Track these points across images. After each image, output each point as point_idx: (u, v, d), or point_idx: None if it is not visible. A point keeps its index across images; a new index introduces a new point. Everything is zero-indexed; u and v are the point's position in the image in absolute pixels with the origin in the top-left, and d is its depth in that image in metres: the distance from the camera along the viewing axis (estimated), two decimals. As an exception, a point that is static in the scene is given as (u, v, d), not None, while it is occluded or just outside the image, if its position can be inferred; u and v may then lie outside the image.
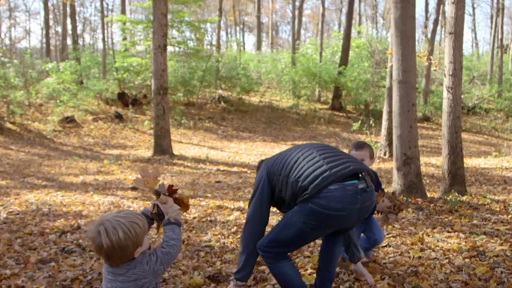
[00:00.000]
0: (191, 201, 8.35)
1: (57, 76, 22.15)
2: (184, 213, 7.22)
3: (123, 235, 2.45)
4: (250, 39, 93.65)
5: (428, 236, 5.85)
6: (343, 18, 39.48)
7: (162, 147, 15.28)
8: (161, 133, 15.16)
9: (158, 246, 2.74)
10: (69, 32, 31.65)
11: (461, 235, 5.84)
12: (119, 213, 2.61)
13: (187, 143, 19.59)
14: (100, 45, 44.09)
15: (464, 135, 7.88)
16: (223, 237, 6.00)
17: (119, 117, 21.51)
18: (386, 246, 5.44)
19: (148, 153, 16.15)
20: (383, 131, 15.32)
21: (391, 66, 13.25)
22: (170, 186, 3.03)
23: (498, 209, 7.38)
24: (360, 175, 3.42)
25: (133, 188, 9.64)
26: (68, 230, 6.22)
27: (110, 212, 2.64)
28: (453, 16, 8.03)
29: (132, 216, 2.57)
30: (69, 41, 32.18)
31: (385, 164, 13.99)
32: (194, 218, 7.08)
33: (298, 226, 3.37)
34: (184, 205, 3.10)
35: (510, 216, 6.87)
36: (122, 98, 23.39)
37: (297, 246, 3.67)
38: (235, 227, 6.43)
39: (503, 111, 30.07)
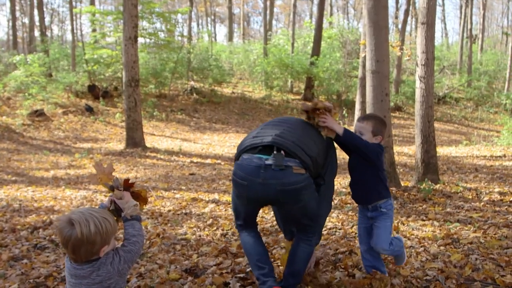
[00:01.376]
0: (165, 194, 8.29)
1: (25, 69, 21.67)
2: (159, 207, 7.17)
3: (94, 229, 2.38)
4: (221, 30, 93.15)
5: (403, 224, 5.89)
6: (315, 8, 39.58)
7: (135, 139, 15.12)
8: (133, 125, 14.99)
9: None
10: (37, 23, 31.01)
11: (436, 223, 5.90)
12: (92, 208, 2.56)
13: (160, 136, 19.43)
14: (68, 36, 43.46)
15: (435, 124, 7.95)
16: (198, 229, 5.95)
17: (89, 110, 21.20)
18: (362, 235, 5.45)
19: (120, 146, 15.97)
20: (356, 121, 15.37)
21: (364, 57, 13.32)
22: (126, 180, 2.90)
23: (470, 196, 7.47)
24: (277, 152, 3.33)
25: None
26: (40, 226, 6.10)
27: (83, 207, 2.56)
28: (425, 6, 8.07)
29: (104, 213, 2.52)
30: (36, 33, 31.53)
31: (358, 154, 14.05)
32: (169, 211, 7.01)
33: (232, 194, 3.64)
34: (142, 198, 2.98)
35: (482, 203, 6.96)
36: (93, 91, 23.04)
37: (240, 217, 3.73)
38: (211, 220, 6.38)
39: (472, 100, 30.53)
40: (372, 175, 3.79)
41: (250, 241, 3.71)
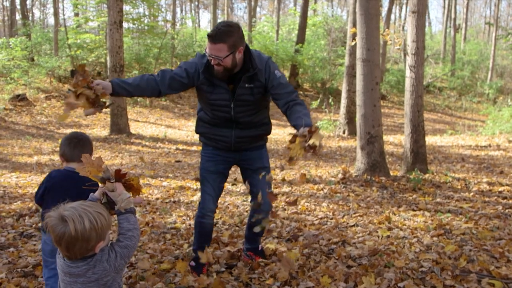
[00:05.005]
0: (152, 181, 8.19)
1: (6, 53, 21.29)
2: (147, 195, 7.07)
3: (89, 225, 2.24)
4: (205, 16, 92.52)
5: (395, 214, 5.87)
6: (299, -5, 39.36)
7: (119, 126, 14.95)
8: (118, 111, 14.81)
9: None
10: (18, 7, 30.45)
11: (426, 213, 5.89)
12: (84, 202, 2.40)
13: (144, 122, 19.26)
14: (50, 20, 42.70)
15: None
16: (188, 218, 5.87)
17: (72, 94, 20.85)
18: (354, 225, 5.42)
19: (104, 132, 15.78)
20: (342, 109, 15.39)
21: (351, 45, 13.29)
22: (118, 171, 2.72)
23: (459, 186, 7.49)
24: None
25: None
26: (26, 214, 5.96)
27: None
28: (416, -6, 8.01)
29: (98, 207, 2.37)
30: (17, 17, 30.97)
31: (344, 142, 14.08)
32: (157, 199, 6.91)
33: None
34: (135, 188, 2.80)
35: (472, 194, 6.97)
36: (77, 73, 22.67)
37: None
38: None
39: (456, 90, 30.71)
40: None
41: None
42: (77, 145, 3.27)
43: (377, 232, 5.13)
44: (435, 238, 4.89)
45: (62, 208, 2.30)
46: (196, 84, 3.68)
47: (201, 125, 3.95)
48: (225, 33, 3.39)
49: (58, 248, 2.36)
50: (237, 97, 3.61)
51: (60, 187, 3.19)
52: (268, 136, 4.05)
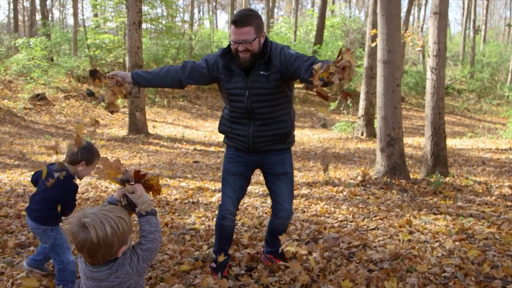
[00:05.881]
0: (170, 182, 8.19)
1: (27, 52, 21.51)
2: (165, 195, 7.06)
3: (111, 231, 2.22)
4: (222, 17, 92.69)
5: (415, 218, 5.80)
6: (318, -4, 39.24)
7: (137, 125, 15.01)
8: (136, 111, 14.87)
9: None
10: (38, 7, 30.74)
11: (448, 217, 5.81)
12: (104, 206, 2.38)
13: (162, 122, 19.31)
14: (69, 21, 43.12)
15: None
16: (207, 219, 5.85)
17: (91, 94, 20.77)
18: (374, 229, 5.37)
19: (123, 132, 15.85)
20: (361, 111, 15.29)
21: (370, 46, 13.20)
22: (137, 172, 2.68)
23: (481, 190, 7.38)
24: None
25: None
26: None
27: (93, 206, 2.37)
28: (438, -5, 7.93)
29: (118, 211, 2.34)
30: (37, 17, 31.26)
31: (363, 144, 13.98)
32: (176, 199, 6.91)
33: None
34: (155, 189, 2.75)
35: (493, 198, 6.87)
36: (94, 76, 22.80)
37: None
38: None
39: (475, 92, 30.41)
40: None
41: None
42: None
43: (398, 235, 5.07)
44: (457, 243, 4.82)
45: (82, 214, 2.27)
46: (215, 75, 3.68)
47: (222, 123, 3.96)
48: (250, 16, 3.41)
49: (80, 254, 2.33)
50: (251, 85, 3.57)
51: None
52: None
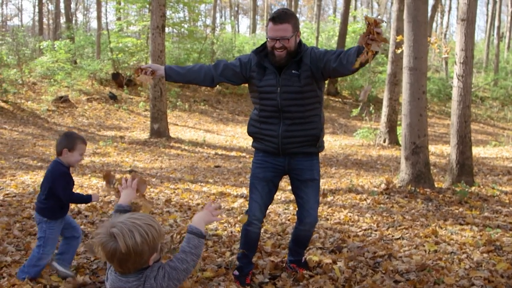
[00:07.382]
0: (192, 186, 8.18)
1: (51, 55, 21.74)
2: (187, 200, 7.04)
3: (140, 239, 2.15)
4: (244, 22, 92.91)
5: (441, 228, 5.69)
6: (338, 2, 39.16)
7: (159, 129, 15.05)
8: (158, 115, 14.92)
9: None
10: (62, 10, 31.09)
11: (474, 228, 5.69)
12: (132, 214, 2.31)
13: (183, 126, 19.35)
14: (93, 24, 43.54)
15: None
16: (229, 225, 5.81)
17: (113, 98, 21.17)
18: (399, 238, 5.28)
19: (144, 135, 15.91)
20: (383, 118, 15.16)
21: (394, 52, 13.09)
22: (107, 173, 2.87)
23: (507, 201, 7.24)
24: None
25: (131, 171, 9.43)
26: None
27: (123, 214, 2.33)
28: (465, 2, 7.80)
29: (148, 219, 2.26)
30: (61, 20, 31.63)
31: (385, 151, 13.85)
32: (198, 204, 6.88)
33: None
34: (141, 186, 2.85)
35: (521, 208, 6.73)
36: (116, 79, 22.99)
37: None
38: (241, 215, 6.24)
39: (498, 100, 30.00)
40: None
41: None
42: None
43: (423, 246, 4.98)
44: (485, 255, 4.71)
45: (110, 224, 2.22)
46: (248, 74, 3.73)
47: (251, 124, 3.92)
48: (288, 14, 3.52)
49: (111, 264, 2.29)
50: (283, 82, 3.61)
51: None
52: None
